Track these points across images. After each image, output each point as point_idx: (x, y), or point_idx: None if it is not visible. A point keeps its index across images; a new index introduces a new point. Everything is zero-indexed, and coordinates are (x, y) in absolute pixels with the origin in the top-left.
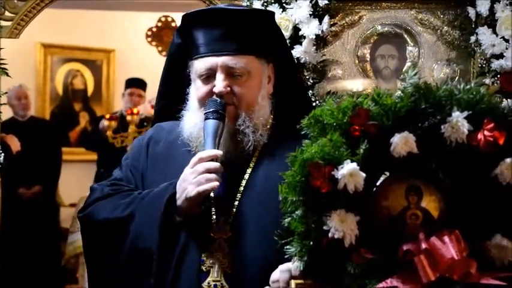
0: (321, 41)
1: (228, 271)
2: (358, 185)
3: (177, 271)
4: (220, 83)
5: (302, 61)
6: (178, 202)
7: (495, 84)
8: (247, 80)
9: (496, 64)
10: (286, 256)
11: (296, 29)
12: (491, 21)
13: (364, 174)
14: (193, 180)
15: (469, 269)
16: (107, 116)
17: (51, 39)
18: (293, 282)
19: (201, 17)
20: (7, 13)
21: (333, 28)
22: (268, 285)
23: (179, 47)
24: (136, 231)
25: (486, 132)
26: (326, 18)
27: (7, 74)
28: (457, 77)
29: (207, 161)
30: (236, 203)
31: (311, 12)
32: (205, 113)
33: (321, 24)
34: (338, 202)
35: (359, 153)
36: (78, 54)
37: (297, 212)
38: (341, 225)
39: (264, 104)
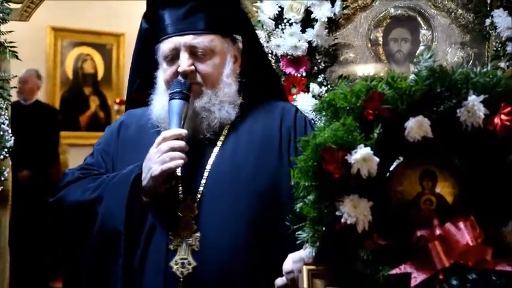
0: (333, 24)
1: (196, 249)
2: (372, 170)
3: (144, 251)
4: (184, 62)
5: (314, 45)
6: (144, 182)
7: (510, 68)
8: (211, 59)
9: (511, 47)
10: (291, 239)
11: (308, 12)
12: (507, 3)
13: (377, 159)
14: (158, 159)
15: (484, 256)
16: (117, 101)
17: (62, 22)
18: (305, 268)
19: None
20: None
21: (345, 11)
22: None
23: (147, 32)
24: (105, 212)
25: (503, 117)
26: (338, 1)
27: (17, 57)
28: (471, 61)
29: (171, 140)
30: (203, 181)
31: None
32: (169, 94)
33: (333, 7)
34: (351, 187)
35: (373, 138)
36: (88, 38)
37: (309, 197)
38: (354, 211)
39: (229, 82)
